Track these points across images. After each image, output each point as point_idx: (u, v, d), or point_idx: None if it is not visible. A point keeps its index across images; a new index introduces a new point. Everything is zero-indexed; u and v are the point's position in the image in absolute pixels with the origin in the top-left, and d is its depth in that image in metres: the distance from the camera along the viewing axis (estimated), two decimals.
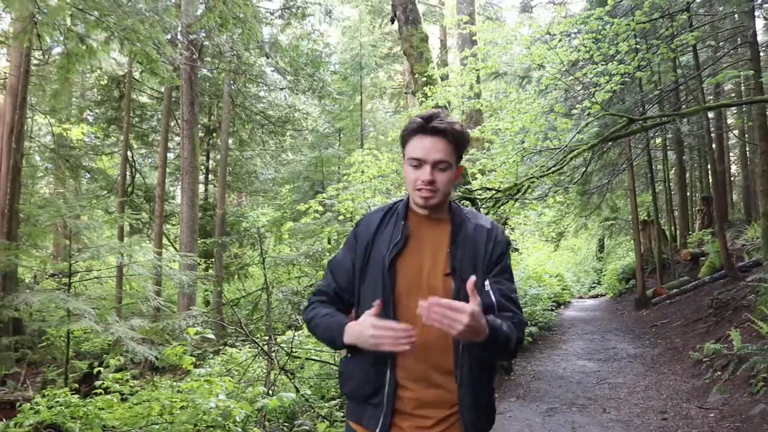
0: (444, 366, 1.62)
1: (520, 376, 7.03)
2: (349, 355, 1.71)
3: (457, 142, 1.65)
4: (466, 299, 1.48)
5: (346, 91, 19.72)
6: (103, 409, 4.21)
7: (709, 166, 13.58)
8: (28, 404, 4.44)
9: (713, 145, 13.53)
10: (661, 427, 4.76)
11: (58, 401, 4.55)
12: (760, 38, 15.03)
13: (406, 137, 1.69)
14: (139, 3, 6.36)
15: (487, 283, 1.63)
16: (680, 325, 8.88)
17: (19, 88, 10.18)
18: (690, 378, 6.11)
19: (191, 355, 3.74)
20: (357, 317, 1.66)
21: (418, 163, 1.64)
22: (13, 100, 10.37)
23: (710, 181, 13.16)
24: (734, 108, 15.40)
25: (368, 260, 1.70)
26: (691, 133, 14.05)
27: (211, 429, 3.19)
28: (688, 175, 18.10)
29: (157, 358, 6.80)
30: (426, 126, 1.63)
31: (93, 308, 6.38)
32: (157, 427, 3.11)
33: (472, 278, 1.46)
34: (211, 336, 4.13)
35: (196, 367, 4.66)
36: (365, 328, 1.51)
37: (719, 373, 5.68)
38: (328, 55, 17.09)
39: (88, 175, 16.68)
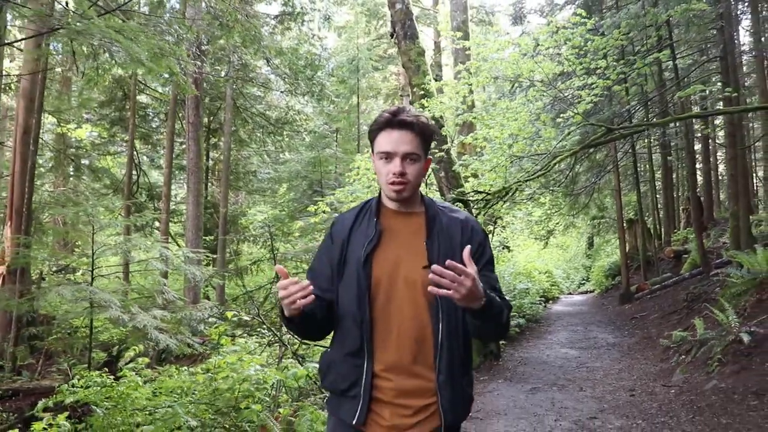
0: (423, 357, 1.64)
1: (507, 362, 7.71)
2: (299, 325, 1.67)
3: (424, 134, 1.68)
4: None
5: (343, 93, 20.29)
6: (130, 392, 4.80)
7: (687, 168, 14.26)
8: (66, 385, 5.04)
9: (694, 147, 14.24)
10: (629, 402, 5.44)
11: (96, 381, 5.15)
12: (747, 39, 15.70)
13: (374, 133, 1.71)
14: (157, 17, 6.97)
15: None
16: (657, 317, 9.59)
17: (37, 94, 10.72)
18: (659, 362, 6.82)
19: (228, 335, 4.36)
20: (336, 317, 1.73)
21: (388, 157, 1.66)
22: (26, 103, 10.88)
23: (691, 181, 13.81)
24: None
25: (345, 259, 1.71)
26: (678, 135, 14.73)
27: (247, 398, 3.81)
28: (675, 175, 18.71)
29: (175, 347, 7.42)
30: (393, 120, 1.66)
31: (119, 299, 7.00)
32: (203, 392, 3.74)
33: (468, 247, 1.50)
34: (247, 317, 4.74)
35: (206, 358, 5.19)
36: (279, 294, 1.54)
37: (684, 356, 6.38)
38: (326, 58, 17.59)
39: (88, 173, 17.07)
